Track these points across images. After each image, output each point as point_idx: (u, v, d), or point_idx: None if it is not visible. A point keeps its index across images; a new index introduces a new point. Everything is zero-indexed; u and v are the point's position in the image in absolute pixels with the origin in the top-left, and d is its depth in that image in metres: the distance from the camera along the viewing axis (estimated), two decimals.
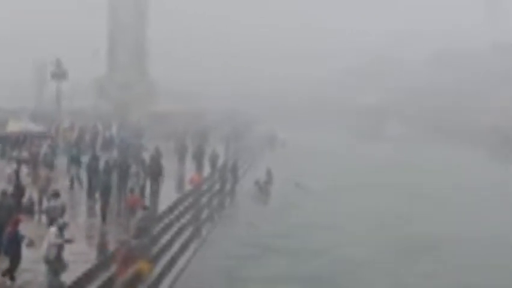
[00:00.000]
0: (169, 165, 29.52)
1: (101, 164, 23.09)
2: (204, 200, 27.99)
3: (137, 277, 14.37)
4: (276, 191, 33.05)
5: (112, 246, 17.45)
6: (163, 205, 23.35)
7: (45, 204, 17.03)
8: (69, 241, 13.84)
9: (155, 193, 23.91)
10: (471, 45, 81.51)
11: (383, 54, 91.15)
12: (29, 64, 65.70)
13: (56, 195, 16.36)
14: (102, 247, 17.74)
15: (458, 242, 24.11)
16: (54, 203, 16.17)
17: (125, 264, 14.42)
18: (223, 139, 47.49)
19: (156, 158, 25.86)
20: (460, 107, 71.79)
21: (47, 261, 13.43)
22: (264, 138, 55.94)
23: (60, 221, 14.05)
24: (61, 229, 13.68)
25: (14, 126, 32.23)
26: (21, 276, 14.19)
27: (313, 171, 41.12)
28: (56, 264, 13.40)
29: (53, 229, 13.61)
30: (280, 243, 23.31)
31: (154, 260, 17.97)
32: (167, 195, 24.99)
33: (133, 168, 22.88)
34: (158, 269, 18.03)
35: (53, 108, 49.27)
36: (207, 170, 32.58)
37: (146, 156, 27.48)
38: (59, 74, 46.25)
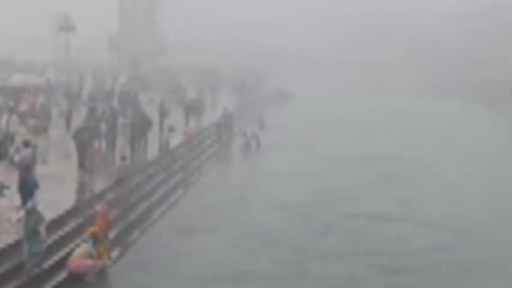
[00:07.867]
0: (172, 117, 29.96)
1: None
2: (197, 151, 28.75)
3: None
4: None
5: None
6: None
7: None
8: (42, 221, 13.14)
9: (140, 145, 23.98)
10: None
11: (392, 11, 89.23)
12: (42, 17, 66.57)
13: (27, 144, 16.81)
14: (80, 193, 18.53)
15: None
16: (24, 152, 16.43)
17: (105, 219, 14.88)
18: (232, 92, 48.45)
19: (141, 111, 26.07)
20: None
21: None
22: (274, 92, 56.25)
23: (29, 204, 13.21)
24: (29, 213, 12.91)
25: (15, 79, 33.31)
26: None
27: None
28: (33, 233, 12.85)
29: (22, 213, 13.32)
30: None
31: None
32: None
33: (121, 120, 23.47)
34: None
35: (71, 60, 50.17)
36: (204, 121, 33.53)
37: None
38: (67, 28, 47.18)
